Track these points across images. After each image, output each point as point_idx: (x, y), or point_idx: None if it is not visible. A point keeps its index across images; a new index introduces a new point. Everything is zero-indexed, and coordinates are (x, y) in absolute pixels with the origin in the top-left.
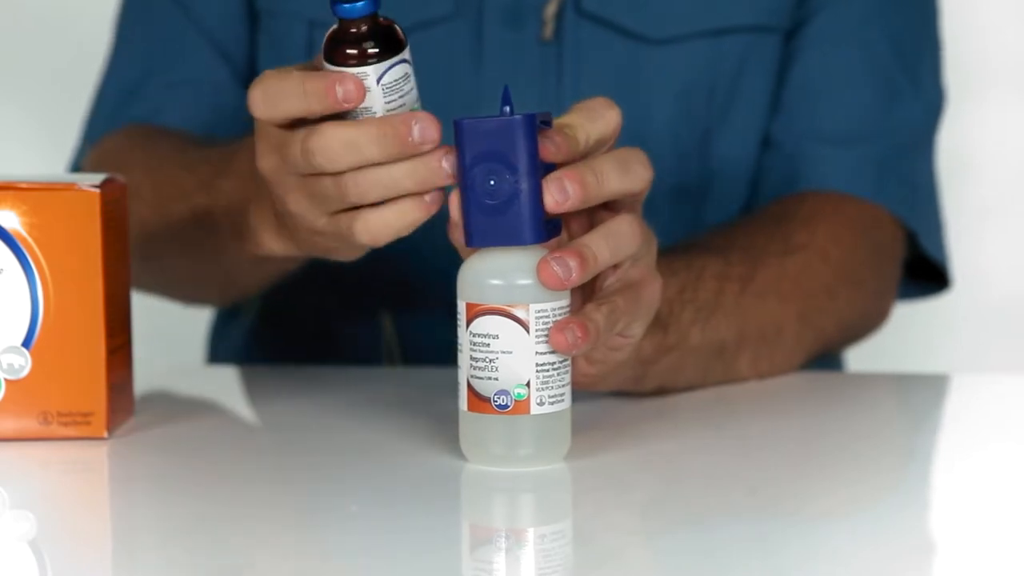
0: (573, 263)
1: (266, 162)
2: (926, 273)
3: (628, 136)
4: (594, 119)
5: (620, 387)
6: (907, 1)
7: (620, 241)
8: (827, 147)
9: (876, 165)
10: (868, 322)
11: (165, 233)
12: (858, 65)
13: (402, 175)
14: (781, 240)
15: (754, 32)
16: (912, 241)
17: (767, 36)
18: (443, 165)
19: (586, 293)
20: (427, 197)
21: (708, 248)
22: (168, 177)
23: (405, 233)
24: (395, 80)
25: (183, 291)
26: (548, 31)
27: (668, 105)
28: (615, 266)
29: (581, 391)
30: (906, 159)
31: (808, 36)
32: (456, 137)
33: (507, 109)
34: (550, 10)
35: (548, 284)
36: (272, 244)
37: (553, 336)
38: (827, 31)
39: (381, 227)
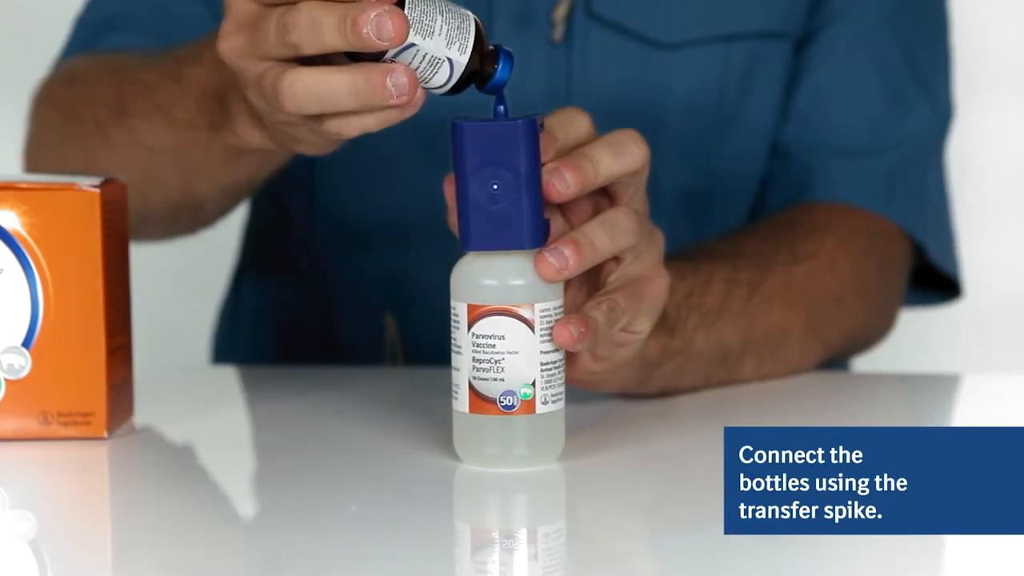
0: (568, 251)
1: (227, 43)
2: (935, 281)
3: None
4: (566, 128)
5: (624, 388)
6: (919, 12)
7: (616, 230)
8: (837, 158)
9: (885, 177)
10: (872, 333)
11: (123, 131)
12: (869, 76)
13: (342, 90)
14: (789, 248)
15: (764, 38)
16: (920, 251)
17: (777, 43)
18: (388, 84)
19: (590, 289)
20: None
21: (716, 254)
22: (130, 77)
23: (334, 108)
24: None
25: (137, 192)
26: (558, 33)
27: (677, 109)
28: (617, 260)
29: (584, 391)
30: (916, 171)
31: (820, 46)
32: (455, 140)
33: (501, 109)
34: (560, 12)
35: (546, 276)
36: (248, 133)
37: (557, 331)
38: (839, 41)
39: (302, 91)
